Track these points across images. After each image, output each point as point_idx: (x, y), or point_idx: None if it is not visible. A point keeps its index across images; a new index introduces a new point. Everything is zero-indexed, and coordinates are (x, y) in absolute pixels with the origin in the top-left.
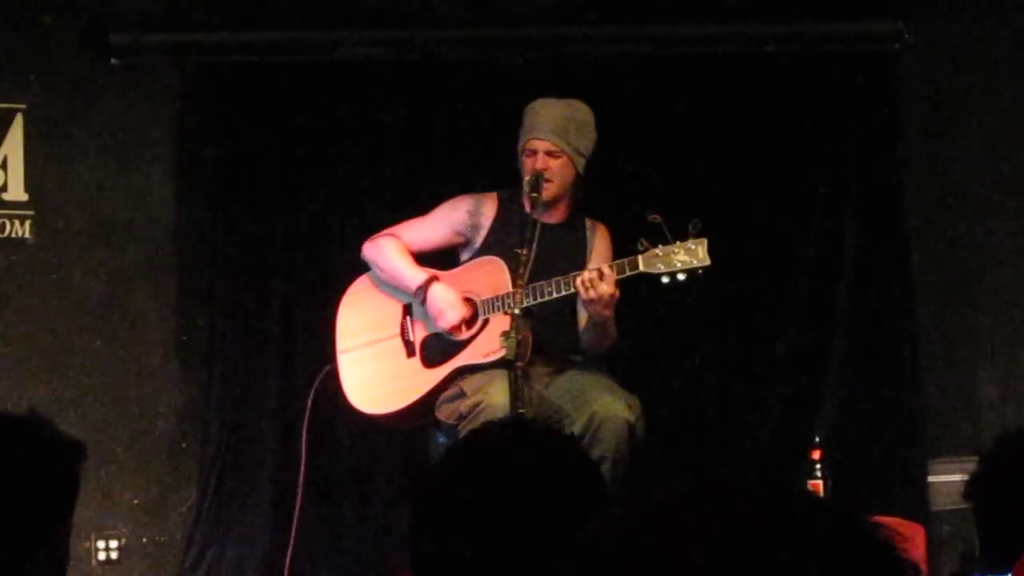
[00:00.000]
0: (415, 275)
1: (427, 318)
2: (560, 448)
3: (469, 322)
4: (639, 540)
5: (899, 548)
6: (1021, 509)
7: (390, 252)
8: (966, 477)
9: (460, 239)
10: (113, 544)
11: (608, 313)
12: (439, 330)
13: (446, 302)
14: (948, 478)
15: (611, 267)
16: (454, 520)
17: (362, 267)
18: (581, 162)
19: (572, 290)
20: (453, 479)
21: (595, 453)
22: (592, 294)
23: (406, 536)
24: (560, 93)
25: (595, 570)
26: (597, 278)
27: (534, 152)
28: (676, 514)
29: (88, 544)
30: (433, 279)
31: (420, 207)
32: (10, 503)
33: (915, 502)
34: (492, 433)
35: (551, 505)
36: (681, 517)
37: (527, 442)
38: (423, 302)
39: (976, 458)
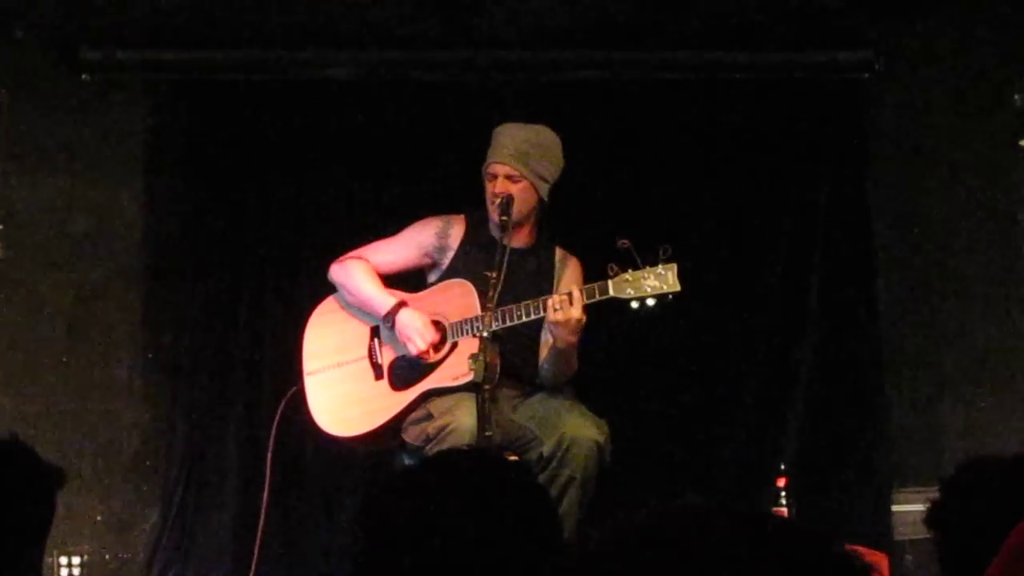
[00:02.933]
0: (384, 301)
1: (395, 340)
2: (513, 477)
3: (438, 345)
4: (621, 563)
5: (868, 566)
6: (981, 536)
7: (358, 275)
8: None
9: (428, 260)
10: (76, 560)
11: (573, 339)
12: (408, 354)
13: (414, 328)
14: (911, 507)
15: (581, 291)
16: (401, 544)
17: (330, 287)
18: (544, 187)
19: (540, 314)
20: (403, 503)
21: (564, 474)
22: (560, 316)
23: (354, 559)
24: (531, 117)
25: None
26: (567, 301)
27: (494, 176)
28: (657, 538)
29: (51, 560)
30: (401, 305)
31: (389, 228)
32: None
33: (879, 531)
34: (448, 460)
35: (499, 533)
36: (662, 542)
37: (481, 470)
38: (391, 327)
39: (939, 488)
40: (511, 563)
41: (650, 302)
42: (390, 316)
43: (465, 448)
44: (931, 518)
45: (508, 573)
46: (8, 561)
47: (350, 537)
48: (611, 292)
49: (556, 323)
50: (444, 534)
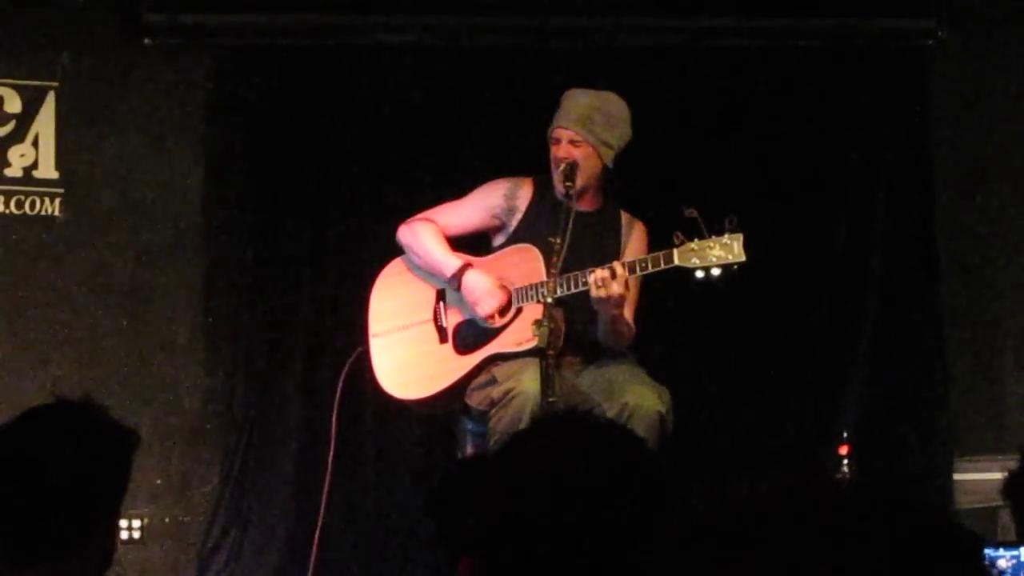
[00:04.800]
0: (450, 262)
1: (461, 304)
2: (630, 441)
3: (503, 310)
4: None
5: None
6: None
7: (425, 237)
8: (990, 476)
9: (496, 223)
10: (136, 524)
11: (616, 312)
12: (474, 317)
13: (483, 290)
14: (973, 476)
15: (623, 265)
16: (525, 510)
17: (390, 251)
18: (609, 154)
19: None
20: (522, 466)
21: None
22: (602, 293)
23: (470, 528)
24: (593, 83)
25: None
26: (609, 277)
27: (558, 140)
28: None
29: None
30: (467, 266)
31: (453, 192)
32: (66, 490)
33: (940, 500)
34: (560, 423)
35: (618, 497)
36: (791, 516)
37: (596, 433)
38: (458, 288)
39: (1000, 458)
40: (631, 530)
41: (715, 272)
42: (456, 278)
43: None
44: (1009, 487)
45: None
46: (87, 526)
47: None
48: (676, 261)
49: (598, 299)
50: (560, 501)
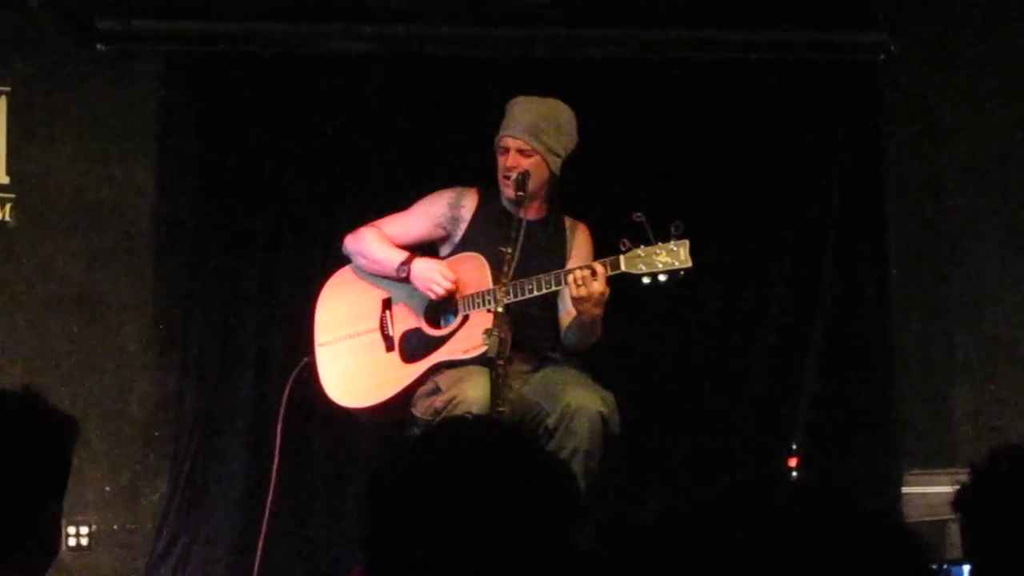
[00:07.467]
0: (397, 254)
1: (409, 306)
2: (527, 447)
3: (448, 315)
4: (680, 543)
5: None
6: (1012, 522)
7: (372, 240)
8: (939, 490)
9: (441, 232)
10: (83, 530)
11: (598, 311)
12: (421, 327)
13: (433, 270)
14: (922, 489)
15: (604, 264)
16: (410, 516)
17: (342, 261)
18: (556, 162)
19: (555, 287)
20: (413, 473)
21: (568, 445)
22: (583, 292)
23: (361, 531)
24: (545, 93)
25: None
26: (589, 276)
27: (506, 149)
28: (720, 514)
29: None
30: (414, 256)
31: (402, 202)
32: (2, 480)
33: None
34: (457, 429)
35: (513, 503)
36: (725, 518)
37: (492, 439)
38: (407, 278)
39: (948, 471)
40: (530, 535)
41: (662, 278)
42: (404, 266)
43: (468, 416)
44: (959, 502)
45: (528, 546)
46: (26, 517)
47: (358, 512)
48: (623, 267)
49: (579, 298)
50: (453, 509)
